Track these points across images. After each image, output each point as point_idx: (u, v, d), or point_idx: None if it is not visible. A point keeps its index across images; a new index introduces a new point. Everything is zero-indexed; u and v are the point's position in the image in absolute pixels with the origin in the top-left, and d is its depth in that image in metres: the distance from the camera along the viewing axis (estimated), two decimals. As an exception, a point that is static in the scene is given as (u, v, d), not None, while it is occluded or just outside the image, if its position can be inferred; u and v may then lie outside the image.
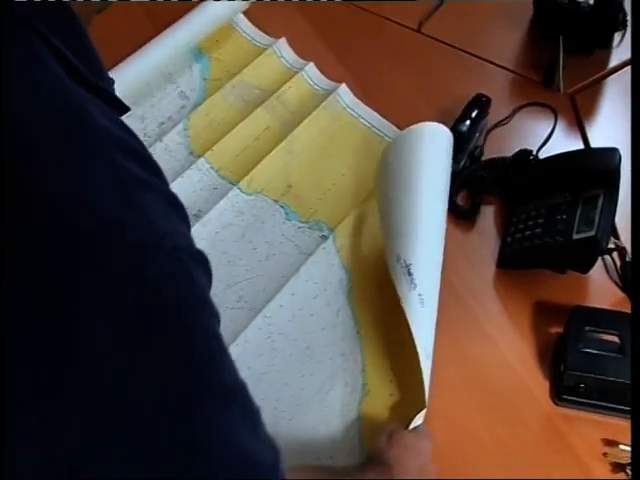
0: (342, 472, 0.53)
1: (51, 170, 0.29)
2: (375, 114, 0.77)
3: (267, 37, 0.84)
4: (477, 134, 0.73)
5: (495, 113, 0.75)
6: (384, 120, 0.77)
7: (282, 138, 0.74)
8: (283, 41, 0.83)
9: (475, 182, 0.70)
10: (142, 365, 0.29)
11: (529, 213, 0.67)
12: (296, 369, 0.60)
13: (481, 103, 0.73)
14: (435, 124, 0.66)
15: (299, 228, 0.69)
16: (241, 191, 0.71)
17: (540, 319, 0.63)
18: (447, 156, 0.66)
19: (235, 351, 0.58)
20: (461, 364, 0.60)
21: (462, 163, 0.71)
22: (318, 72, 0.81)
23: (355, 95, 0.79)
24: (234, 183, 0.71)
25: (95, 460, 0.30)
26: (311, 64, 0.81)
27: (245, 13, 0.86)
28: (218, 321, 0.34)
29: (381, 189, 0.66)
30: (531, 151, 0.71)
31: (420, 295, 0.56)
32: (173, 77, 0.80)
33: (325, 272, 0.66)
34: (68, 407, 0.29)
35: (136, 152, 0.33)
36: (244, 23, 0.85)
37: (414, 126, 0.65)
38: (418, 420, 0.54)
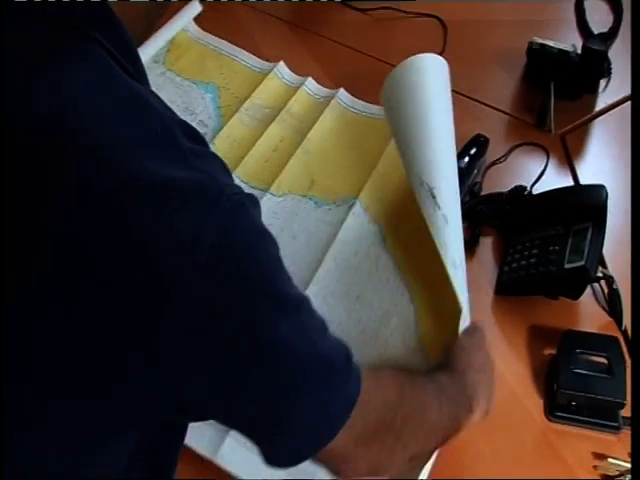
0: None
1: (128, 153, 0.33)
2: (374, 106, 0.83)
3: (266, 63, 0.89)
4: (476, 171, 0.77)
5: (492, 152, 0.79)
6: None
7: (298, 144, 0.80)
8: (282, 64, 0.88)
9: (474, 215, 0.74)
10: (226, 299, 0.33)
11: (524, 244, 0.70)
12: (352, 318, 0.65)
13: (479, 143, 0.77)
14: (433, 55, 0.67)
15: (328, 210, 0.75)
16: (273, 195, 0.76)
17: (535, 342, 0.66)
18: (447, 83, 0.67)
19: None
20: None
21: (462, 198, 0.75)
22: (317, 84, 0.87)
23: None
24: (265, 190, 0.76)
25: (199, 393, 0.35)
26: (310, 78, 0.87)
27: (244, 44, 0.91)
28: (277, 249, 0.38)
29: (393, 120, 0.68)
30: (525, 187, 0.75)
31: (444, 215, 0.60)
32: (190, 109, 0.85)
33: (358, 230, 0.72)
34: (170, 351, 0.33)
35: (187, 129, 0.38)
36: (244, 54, 0.90)
37: (414, 57, 0.66)
38: (464, 323, 0.58)
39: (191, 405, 0.37)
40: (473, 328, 0.59)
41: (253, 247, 0.35)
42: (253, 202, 0.37)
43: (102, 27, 0.37)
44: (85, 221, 0.32)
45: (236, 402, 0.37)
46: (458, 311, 0.58)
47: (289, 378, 0.37)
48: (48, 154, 0.33)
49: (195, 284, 0.32)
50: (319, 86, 0.87)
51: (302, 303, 0.39)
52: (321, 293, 0.67)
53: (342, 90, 0.85)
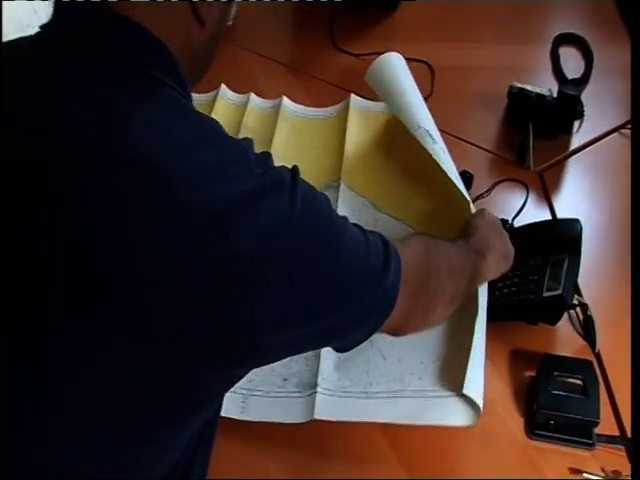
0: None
1: (210, 182, 0.39)
2: (319, 109, 0.93)
3: (207, 94, 0.95)
4: None
5: (477, 187, 0.82)
6: (325, 108, 0.92)
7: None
8: (223, 87, 0.94)
9: None
10: (307, 243, 0.42)
11: (506, 274, 0.71)
12: None
13: (465, 178, 0.81)
14: (394, 54, 0.84)
15: None
16: None
17: (516, 364, 0.69)
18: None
19: None
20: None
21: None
22: (259, 98, 0.93)
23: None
24: None
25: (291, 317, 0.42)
26: (252, 94, 0.93)
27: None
28: (320, 194, 0.47)
29: (387, 96, 0.82)
30: (508, 220, 0.78)
31: (442, 148, 0.73)
32: None
33: (351, 205, 0.79)
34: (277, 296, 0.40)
35: (249, 141, 0.46)
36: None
37: (386, 55, 0.83)
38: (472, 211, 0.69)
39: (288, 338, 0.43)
40: (481, 209, 0.70)
41: (311, 211, 0.44)
42: (296, 170, 0.45)
43: (164, 68, 0.44)
44: (162, 244, 0.37)
45: (317, 325, 0.44)
46: (467, 204, 0.70)
47: (355, 287, 0.45)
48: (139, 187, 0.37)
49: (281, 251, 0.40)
50: (262, 99, 0.94)
51: (345, 225, 0.48)
52: None
53: (285, 99, 0.92)
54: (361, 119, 0.90)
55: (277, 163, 0.91)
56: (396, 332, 0.53)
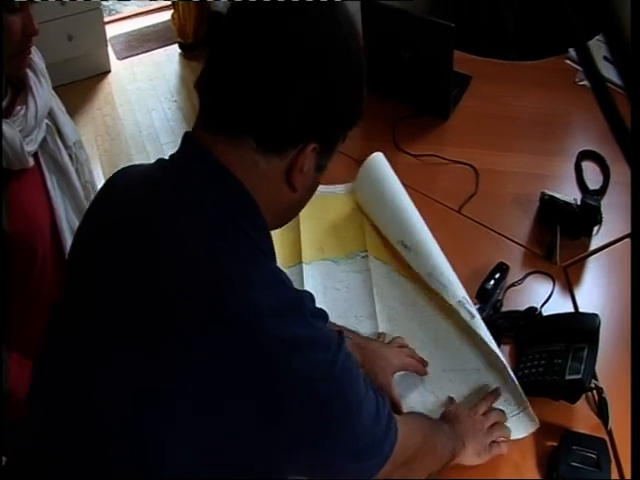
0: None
1: (266, 319, 0.46)
2: (329, 186, 0.98)
3: None
4: (498, 291, 0.86)
5: (511, 276, 0.87)
6: (334, 186, 0.99)
7: (297, 227, 0.94)
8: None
9: (495, 328, 0.82)
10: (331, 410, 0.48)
11: (534, 355, 0.78)
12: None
13: (502, 269, 0.87)
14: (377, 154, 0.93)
15: (345, 263, 0.90)
16: (305, 264, 0.89)
17: (539, 435, 0.73)
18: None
19: None
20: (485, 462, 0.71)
21: (486, 312, 0.85)
22: None
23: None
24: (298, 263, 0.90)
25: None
26: None
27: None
28: (354, 361, 0.52)
29: (369, 202, 0.92)
30: (536, 308, 0.83)
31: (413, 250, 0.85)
32: None
33: (379, 272, 0.89)
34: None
35: (309, 295, 0.52)
36: None
37: (371, 157, 0.93)
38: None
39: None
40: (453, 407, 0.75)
41: (346, 376, 0.49)
42: (342, 336, 0.50)
43: (259, 230, 0.50)
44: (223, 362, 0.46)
45: (325, 462, 0.51)
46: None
47: (359, 446, 0.51)
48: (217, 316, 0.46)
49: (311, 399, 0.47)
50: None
51: (367, 394, 0.52)
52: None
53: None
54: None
55: (306, 236, 0.95)
56: None
